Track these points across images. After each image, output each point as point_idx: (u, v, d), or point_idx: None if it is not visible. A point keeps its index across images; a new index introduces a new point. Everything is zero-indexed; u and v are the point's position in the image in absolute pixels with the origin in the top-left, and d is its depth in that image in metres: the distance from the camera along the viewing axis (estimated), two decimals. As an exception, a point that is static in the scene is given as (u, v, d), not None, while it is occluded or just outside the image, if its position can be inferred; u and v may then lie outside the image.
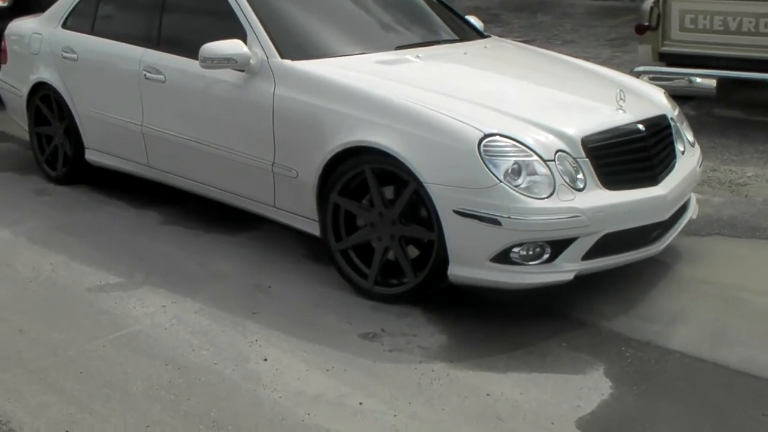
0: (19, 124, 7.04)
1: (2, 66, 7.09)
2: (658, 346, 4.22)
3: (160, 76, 5.52)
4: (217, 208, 5.61)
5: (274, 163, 4.94)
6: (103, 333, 4.38)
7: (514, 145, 4.24)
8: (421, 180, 4.30)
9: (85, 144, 6.28)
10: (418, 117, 4.40)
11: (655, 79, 7.73)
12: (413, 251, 4.64)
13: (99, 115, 6.06)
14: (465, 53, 5.47)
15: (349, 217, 4.75)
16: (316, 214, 4.84)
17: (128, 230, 5.73)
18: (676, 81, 7.88)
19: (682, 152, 5.00)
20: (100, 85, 6.04)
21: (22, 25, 6.88)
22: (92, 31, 6.21)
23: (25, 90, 6.67)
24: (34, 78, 6.56)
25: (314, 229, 4.90)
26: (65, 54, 6.26)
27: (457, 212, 4.23)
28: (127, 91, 5.78)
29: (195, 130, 5.39)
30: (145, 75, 5.61)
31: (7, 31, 7.06)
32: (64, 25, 6.43)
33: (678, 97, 7.48)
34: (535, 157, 4.23)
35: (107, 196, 6.36)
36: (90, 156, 6.29)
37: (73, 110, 6.26)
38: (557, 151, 4.29)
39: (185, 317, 4.53)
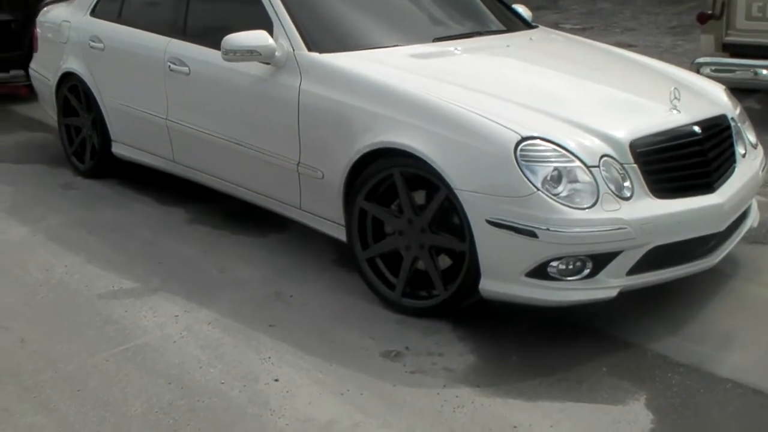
0: (50, 114, 6.77)
1: (34, 54, 6.81)
2: (709, 372, 3.79)
3: (185, 68, 5.19)
4: (248, 208, 5.27)
5: (299, 162, 4.60)
6: (107, 346, 4.08)
7: (555, 150, 3.84)
8: (452, 186, 3.93)
9: (112, 137, 6.00)
10: (450, 117, 4.02)
11: (718, 71, 7.22)
12: (446, 260, 4.27)
13: (125, 108, 5.77)
14: (508, 46, 5.04)
15: (377, 224, 4.39)
16: (343, 219, 4.48)
17: (152, 229, 5.43)
18: (740, 73, 7.31)
19: (743, 155, 4.54)
20: (125, 76, 5.75)
21: (54, 12, 6.63)
22: (119, 19, 5.92)
23: (53, 80, 6.42)
24: (62, 67, 6.30)
25: (341, 234, 4.56)
26: (92, 43, 5.98)
27: (490, 222, 3.85)
28: (151, 83, 5.48)
29: (220, 126, 5.07)
30: (169, 66, 5.29)
31: (39, 17, 6.79)
32: (93, 13, 6.15)
33: (742, 90, 7.04)
34: (578, 163, 3.83)
35: (135, 191, 6.08)
36: (117, 149, 6.01)
37: (99, 102, 5.98)
38: (602, 156, 3.89)
39: (197, 329, 4.21)
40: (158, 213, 5.71)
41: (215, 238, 5.29)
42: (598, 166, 3.85)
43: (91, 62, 6.00)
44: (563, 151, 3.83)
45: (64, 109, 6.44)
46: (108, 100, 5.90)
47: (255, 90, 4.80)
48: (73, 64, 6.17)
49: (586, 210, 3.77)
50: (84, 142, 6.31)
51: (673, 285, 4.21)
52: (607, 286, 3.89)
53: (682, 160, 4.11)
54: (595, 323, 4.17)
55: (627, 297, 4.00)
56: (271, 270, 4.82)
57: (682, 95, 4.28)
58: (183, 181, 5.72)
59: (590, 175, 3.81)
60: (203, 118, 5.17)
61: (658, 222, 3.88)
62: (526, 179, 3.76)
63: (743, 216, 4.50)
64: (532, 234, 3.75)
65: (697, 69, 7.19)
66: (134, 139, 5.84)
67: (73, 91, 6.29)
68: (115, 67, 5.83)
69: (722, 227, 4.15)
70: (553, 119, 4.02)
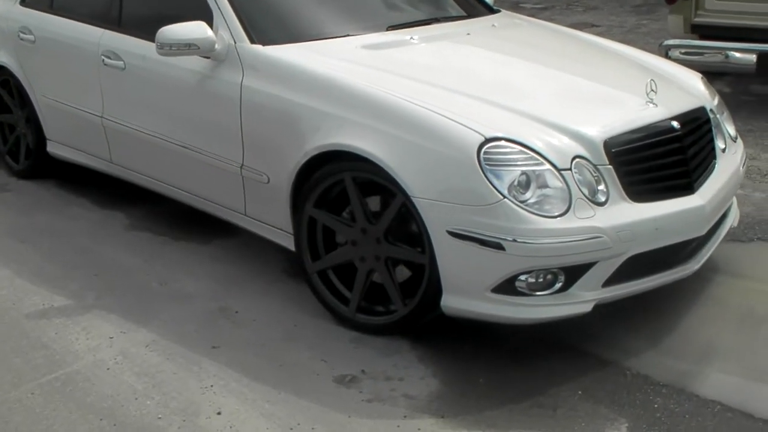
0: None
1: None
2: (694, 394, 3.44)
3: (120, 62, 4.74)
4: (193, 211, 4.81)
5: (242, 165, 4.19)
6: (35, 375, 3.65)
7: (522, 152, 3.45)
8: (409, 194, 3.53)
9: (47, 135, 5.54)
10: (405, 116, 3.62)
11: (688, 53, 6.84)
12: (406, 272, 3.87)
13: (58, 104, 5.31)
14: (468, 33, 4.62)
15: (329, 233, 3.97)
16: (291, 227, 4.05)
17: (89, 236, 5.00)
18: (710, 56, 6.93)
19: (723, 150, 4.18)
20: (58, 71, 5.28)
21: (-17, 2, 6.07)
22: (51, 9, 5.41)
23: (-17, 75, 5.88)
24: (-8, 62, 5.77)
25: (289, 244, 4.16)
26: (22, 35, 5.48)
27: (451, 233, 3.45)
28: (85, 78, 5.03)
29: (158, 125, 4.64)
30: (103, 60, 4.84)
31: (-32, 7, 6.23)
32: (23, 2, 5.63)
33: (712, 74, 6.66)
34: (548, 166, 3.45)
35: (74, 193, 5.63)
36: (52, 149, 5.55)
37: (32, 98, 5.51)
38: (574, 158, 3.51)
39: (133, 353, 3.79)
40: (97, 217, 5.27)
41: (157, 245, 4.86)
42: (570, 169, 3.48)
43: (22, 55, 5.52)
44: (531, 153, 3.45)
45: (-3, 105, 5.94)
46: (41, 96, 5.43)
47: (194, 86, 4.37)
48: (3, 58, 5.68)
49: (558, 218, 3.40)
50: (19, 141, 5.81)
51: (650, 294, 3.83)
52: (581, 300, 3.53)
53: (660, 159, 3.74)
54: (569, 338, 3.80)
55: (602, 309, 3.63)
56: (215, 282, 4.41)
57: (658, 86, 3.88)
58: (125, 182, 5.25)
59: (561, 179, 3.44)
60: (140, 116, 4.74)
61: (635, 229, 3.52)
62: (490, 185, 3.38)
63: (723, 216, 4.12)
64: (498, 246, 3.37)
65: (665, 52, 6.82)
66: (70, 138, 5.38)
67: (5, 86, 5.81)
68: (46, 60, 5.35)
69: (704, 231, 3.79)
70: (519, 117, 3.63)
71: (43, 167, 5.74)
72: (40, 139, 5.58)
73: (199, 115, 4.38)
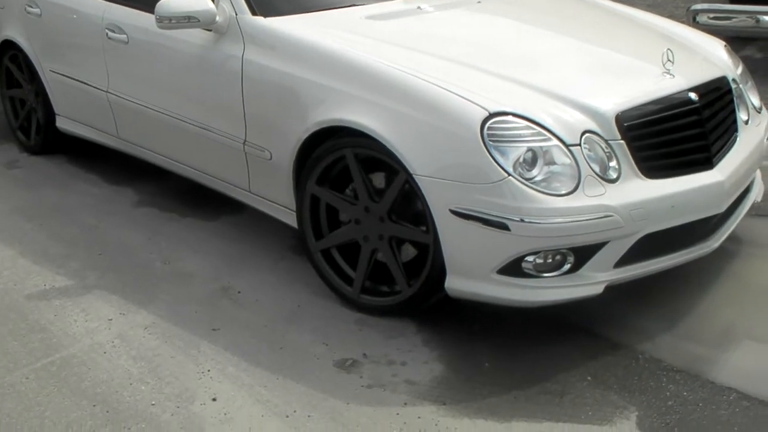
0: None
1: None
2: (709, 381, 3.26)
3: (123, 36, 4.61)
4: (202, 187, 4.67)
5: (245, 141, 4.05)
6: (30, 359, 3.55)
7: (528, 127, 3.27)
8: (410, 171, 3.37)
9: (56, 110, 5.45)
10: (406, 90, 3.44)
11: (717, 18, 6.57)
12: (412, 251, 3.75)
13: (66, 79, 5.20)
14: (479, 1, 4.43)
15: (332, 211, 3.83)
16: (295, 204, 3.91)
17: (96, 213, 4.90)
18: (740, 20, 6.64)
19: (746, 122, 3.97)
20: (63, 45, 5.18)
21: (-9, -26, 5.96)
22: (56, -19, 5.25)
23: (-6, 48, 5.78)
24: (1, 35, 5.64)
25: (293, 221, 4.02)
26: (29, 8, 5.36)
27: (454, 212, 3.30)
28: (90, 52, 4.91)
29: (162, 100, 4.51)
30: (107, 34, 4.70)
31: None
32: (30, -26, 5.48)
33: (742, 39, 6.41)
34: (555, 142, 3.27)
35: (84, 169, 5.54)
36: (61, 124, 5.45)
37: (40, 72, 5.41)
38: (584, 133, 3.32)
39: (131, 335, 3.68)
40: (105, 194, 5.16)
41: (163, 222, 4.75)
42: (579, 145, 3.30)
43: (29, 29, 5.41)
44: (538, 128, 3.27)
45: (7, 80, 5.84)
46: (48, 70, 5.33)
47: (196, 60, 4.23)
48: (11, 32, 5.57)
49: (566, 196, 3.22)
50: (30, 116, 5.71)
51: (666, 272, 3.62)
52: (592, 281, 3.36)
53: (676, 133, 3.54)
54: (579, 321, 3.64)
55: (614, 290, 3.45)
56: (220, 259, 4.29)
57: (675, 55, 3.68)
58: (135, 158, 5.13)
59: (570, 155, 3.26)
60: (145, 90, 4.62)
61: (649, 206, 3.34)
62: (494, 162, 3.21)
63: (746, 190, 3.92)
64: (503, 226, 3.21)
65: (693, 17, 6.56)
66: (77, 113, 5.28)
67: (14, 61, 5.70)
68: (52, 34, 5.24)
69: (723, 208, 3.60)
70: (526, 90, 3.45)
71: (53, 143, 5.65)
72: (50, 114, 5.48)
73: (201, 90, 4.24)
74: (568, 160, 3.25)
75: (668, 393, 3.20)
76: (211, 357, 3.51)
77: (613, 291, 3.43)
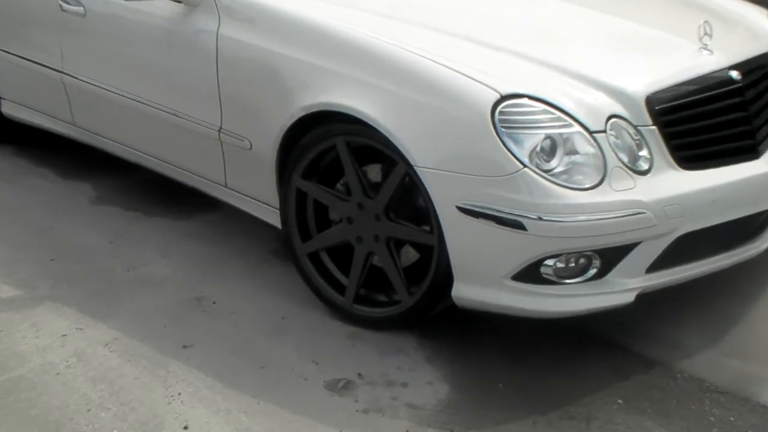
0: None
1: None
2: (760, 404, 3.26)
3: (80, 8, 4.58)
4: (171, 181, 4.66)
5: (221, 129, 4.04)
6: (-29, 383, 3.49)
7: (546, 111, 3.24)
8: (411, 162, 3.35)
9: (0, 94, 5.39)
10: (405, 69, 3.41)
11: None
12: (412, 253, 3.77)
13: (12, 57, 5.15)
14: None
15: (321, 208, 3.84)
16: (277, 200, 3.92)
17: (49, 212, 4.87)
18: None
19: (798, 103, 3.93)
20: (10, 18, 5.12)
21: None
22: (1, -55, 5.22)
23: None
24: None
25: (276, 220, 4.01)
26: (-31, -23, 5.29)
27: (462, 209, 3.27)
28: (41, 27, 4.88)
29: (124, 82, 4.48)
30: (61, 6, 4.66)
31: None
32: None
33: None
34: (577, 128, 3.23)
35: (34, 162, 5.51)
36: (6, 109, 5.42)
37: (-18, 50, 5.33)
38: (610, 117, 3.30)
39: (89, 354, 3.64)
40: (60, 189, 5.14)
41: (126, 222, 4.74)
42: (605, 131, 3.27)
43: (-30, 1, 5.34)
44: (557, 113, 3.24)
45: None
46: (-8, 48, 5.28)
47: (164, 36, 4.20)
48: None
49: (590, 191, 3.20)
50: (-28, 101, 5.68)
51: (707, 278, 3.60)
52: (621, 288, 3.34)
53: (716, 118, 3.51)
54: (607, 334, 3.63)
55: (647, 299, 3.41)
56: (192, 265, 4.27)
57: (714, 29, 3.67)
58: (93, 149, 5.10)
59: (594, 143, 3.23)
60: (104, 71, 4.59)
61: (686, 202, 3.32)
62: (508, 152, 3.18)
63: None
64: (518, 225, 3.19)
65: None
66: (27, 97, 5.24)
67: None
68: (-3, 6, 5.19)
69: (772, 203, 3.57)
70: (542, 68, 3.43)
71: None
72: (-6, 98, 5.43)
73: (170, 71, 4.22)
74: (591, 149, 3.23)
75: (712, 418, 3.18)
76: (182, 378, 3.48)
77: (646, 300, 3.40)
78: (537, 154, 3.19)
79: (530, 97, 3.25)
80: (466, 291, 3.39)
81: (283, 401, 3.33)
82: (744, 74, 3.61)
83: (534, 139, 3.20)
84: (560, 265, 3.26)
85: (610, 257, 3.27)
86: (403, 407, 3.29)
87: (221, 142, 4.05)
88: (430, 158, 3.30)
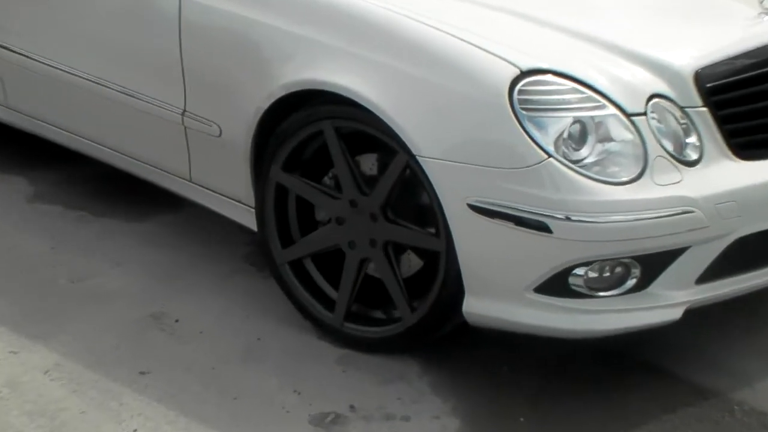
0: None
1: None
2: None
3: (14, -33, 4.66)
4: (123, 176, 4.76)
5: (184, 111, 4.15)
6: None
7: (574, 89, 3.32)
8: (414, 151, 3.42)
9: None
10: (407, 40, 3.50)
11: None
12: (416, 262, 3.84)
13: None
14: None
15: (305, 206, 3.92)
16: (253, 197, 4.02)
17: (-24, 213, 4.93)
18: None
19: None
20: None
21: None
22: None
23: None
24: None
25: (251, 221, 4.10)
26: None
27: (474, 208, 3.34)
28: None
29: (69, 55, 4.59)
30: (-7, -36, 4.77)
31: None
32: None
33: None
34: (612, 110, 3.31)
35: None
36: (-76, 89, 5.46)
37: None
38: (651, 97, 3.38)
39: (26, 383, 3.69)
40: (-10, 186, 5.23)
41: (69, 224, 4.83)
42: (645, 114, 3.34)
43: None
44: (589, 92, 3.32)
45: None
46: None
47: (120, 4, 4.33)
48: None
49: (628, 185, 3.27)
50: None
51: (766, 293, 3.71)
52: (666, 303, 3.41)
53: (779, 98, 3.60)
54: (649, 356, 3.74)
55: (696, 313, 3.49)
56: (149, 275, 4.36)
57: (776, -7, 3.78)
58: (30, 136, 5.21)
59: (633, 128, 3.31)
60: (44, 42, 4.70)
61: (744, 198, 3.39)
62: (529, 139, 3.25)
63: None
64: (542, 227, 3.25)
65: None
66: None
67: None
68: None
69: None
70: (570, 39, 3.53)
71: None
72: None
73: (124, 41, 4.34)
74: (629, 136, 3.30)
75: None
76: (138, 411, 3.53)
77: (696, 317, 3.47)
78: (564, 141, 3.26)
79: (555, 73, 3.32)
80: (479, 306, 3.46)
81: (261, 440, 3.39)
82: (812, 46, 3.70)
83: (560, 123, 3.27)
84: (592, 274, 3.34)
85: (653, 265, 3.34)
86: (404, 447, 3.35)
87: (185, 128, 4.15)
88: (437, 147, 3.37)
